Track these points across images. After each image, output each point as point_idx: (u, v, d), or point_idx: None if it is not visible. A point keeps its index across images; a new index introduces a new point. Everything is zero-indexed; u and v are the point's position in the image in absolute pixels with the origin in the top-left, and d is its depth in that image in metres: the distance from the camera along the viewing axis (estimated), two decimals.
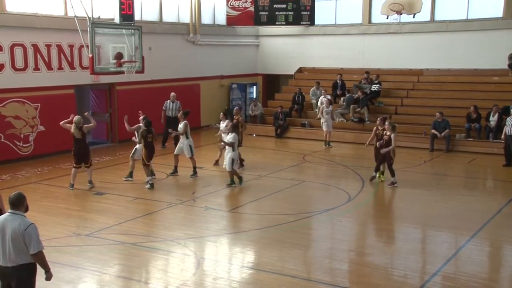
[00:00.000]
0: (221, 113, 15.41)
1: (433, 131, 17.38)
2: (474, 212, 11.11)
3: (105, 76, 16.53)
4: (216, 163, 14.91)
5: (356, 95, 20.01)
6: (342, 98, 20.79)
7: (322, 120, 18.21)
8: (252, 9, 22.80)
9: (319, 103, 20.62)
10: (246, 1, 22.81)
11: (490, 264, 8.86)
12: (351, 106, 19.88)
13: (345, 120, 19.99)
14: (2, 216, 5.73)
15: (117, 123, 18.50)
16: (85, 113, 13.45)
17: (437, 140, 17.38)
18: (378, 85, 20.40)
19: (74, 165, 12.45)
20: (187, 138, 13.72)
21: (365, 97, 19.85)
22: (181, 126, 13.78)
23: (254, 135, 20.56)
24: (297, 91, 21.20)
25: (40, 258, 5.62)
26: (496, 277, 8.28)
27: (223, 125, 14.55)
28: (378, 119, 13.63)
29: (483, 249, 9.31)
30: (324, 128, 18.15)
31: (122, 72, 15.95)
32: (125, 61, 15.73)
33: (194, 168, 13.78)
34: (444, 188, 13.35)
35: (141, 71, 16.59)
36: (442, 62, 20.84)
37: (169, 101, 17.83)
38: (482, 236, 9.70)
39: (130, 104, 18.53)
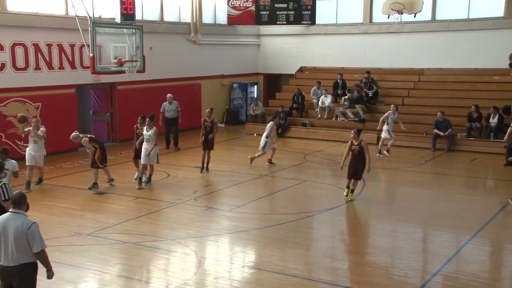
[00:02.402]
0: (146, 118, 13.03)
1: (435, 130, 17.37)
2: (475, 211, 11.10)
3: (106, 75, 16.52)
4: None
5: (353, 95, 20.04)
6: (343, 98, 20.80)
7: (385, 127, 16.47)
8: (253, 8, 22.80)
9: (319, 103, 20.66)
10: (247, 1, 22.80)
11: (491, 264, 8.85)
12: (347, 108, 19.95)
13: (346, 120, 19.98)
14: (4, 215, 5.73)
15: (118, 122, 18.51)
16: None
17: (438, 139, 17.38)
18: (371, 90, 20.40)
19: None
20: (156, 145, 12.67)
21: (361, 97, 19.90)
22: (151, 133, 12.56)
23: (255, 135, 20.53)
24: (296, 91, 21.21)
25: (42, 256, 5.64)
26: (497, 277, 8.28)
27: (146, 133, 12.70)
28: (352, 132, 12.05)
29: (484, 249, 9.31)
30: (392, 136, 16.54)
31: (123, 72, 15.94)
32: (126, 61, 15.72)
33: (150, 176, 12.94)
34: (445, 188, 13.35)
35: (142, 70, 16.55)
36: (443, 62, 20.83)
37: (166, 102, 17.70)
38: (483, 235, 9.70)
39: (131, 103, 18.55)
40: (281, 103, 21.26)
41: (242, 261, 8.63)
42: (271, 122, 15.38)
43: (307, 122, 20.48)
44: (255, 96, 23.82)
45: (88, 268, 8.04)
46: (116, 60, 15.51)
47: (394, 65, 21.68)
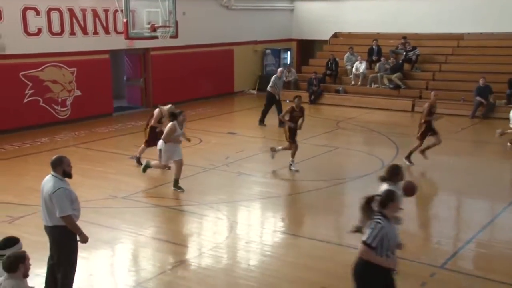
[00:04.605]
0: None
1: (478, 98, 16.89)
2: (511, 180, 10.85)
3: (140, 41, 16.57)
4: None
5: (389, 61, 19.60)
6: (377, 64, 20.34)
7: None
8: None
9: (354, 69, 20.30)
10: None
11: None
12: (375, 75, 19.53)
13: (380, 86, 19.63)
14: (47, 176, 5.88)
15: (151, 88, 18.64)
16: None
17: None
18: (413, 51, 19.90)
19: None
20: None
21: (398, 63, 19.46)
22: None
23: (287, 101, 20.41)
24: (331, 58, 20.87)
25: (67, 222, 5.63)
26: None
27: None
28: None
29: None
30: None
31: (156, 37, 15.95)
32: (159, 26, 15.70)
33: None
34: (481, 156, 13.06)
35: (175, 36, 16.52)
36: (485, 26, 20.00)
37: (285, 70, 15.98)
38: None
39: (164, 69, 18.63)
40: (314, 70, 20.99)
41: (273, 226, 8.70)
42: None
43: (341, 88, 20.20)
44: (288, 62, 23.56)
45: (124, 230, 8.25)
46: (149, 26, 15.52)
47: (431, 30, 20.98)
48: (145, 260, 7.40)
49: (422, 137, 11.53)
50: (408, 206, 9.85)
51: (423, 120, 11.46)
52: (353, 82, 20.28)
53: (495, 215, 9.08)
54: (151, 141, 11.15)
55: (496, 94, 17.13)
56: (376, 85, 19.70)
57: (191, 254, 7.62)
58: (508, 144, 13.35)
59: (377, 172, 11.31)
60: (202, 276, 6.96)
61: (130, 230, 8.25)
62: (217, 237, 8.14)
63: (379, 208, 4.98)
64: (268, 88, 15.98)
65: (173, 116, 9.94)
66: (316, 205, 9.50)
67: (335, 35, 23.18)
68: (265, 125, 15.79)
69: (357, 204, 9.87)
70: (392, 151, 13.01)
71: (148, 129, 11.39)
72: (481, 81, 16.99)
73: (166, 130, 9.83)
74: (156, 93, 18.60)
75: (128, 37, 15.56)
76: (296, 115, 11.33)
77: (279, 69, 16.53)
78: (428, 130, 11.45)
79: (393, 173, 6.27)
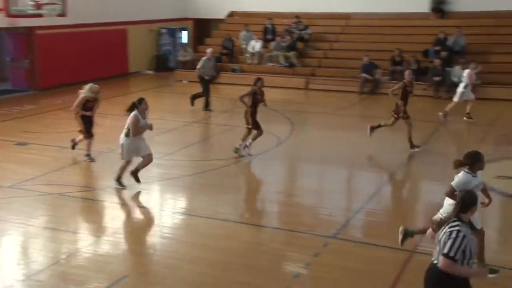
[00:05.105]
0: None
1: (363, 74, 17.81)
2: (396, 152, 11.61)
3: (23, 19, 15.50)
4: None
5: (284, 40, 20.03)
6: (272, 43, 20.68)
7: (461, 89, 13.84)
8: None
9: (249, 48, 20.50)
10: None
11: (407, 199, 9.44)
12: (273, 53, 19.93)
13: (276, 65, 20.02)
14: None
15: (39, 70, 17.56)
16: None
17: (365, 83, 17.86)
18: (306, 31, 20.49)
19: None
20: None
21: (294, 42, 19.95)
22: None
23: (186, 81, 20.21)
24: (227, 37, 20.93)
25: None
26: (411, 210, 8.84)
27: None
28: None
29: (402, 186, 9.87)
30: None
31: (41, 15, 15.03)
32: (44, 3, 14.80)
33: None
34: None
35: (63, 14, 15.67)
36: (369, 6, 21.02)
37: (205, 58, 15.29)
38: (402, 174, 10.26)
39: (52, 49, 17.59)
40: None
41: (173, 208, 8.67)
42: (467, 70, 13.41)
43: (237, 67, 20.34)
44: (184, 41, 23.23)
45: (11, 221, 7.75)
46: (33, 3, 14.58)
47: (323, 9, 21.65)
48: (35, 252, 7.03)
49: (407, 115, 11.03)
50: (302, 180, 10.30)
51: (399, 102, 11.05)
52: (249, 61, 20.50)
53: (381, 185, 9.73)
54: (88, 131, 10.44)
55: (381, 71, 18.17)
56: (272, 64, 20.07)
57: (87, 242, 7.37)
58: (440, 113, 14.01)
59: (273, 149, 11.64)
60: (100, 263, 6.77)
61: (19, 221, 7.78)
62: (115, 222, 7.95)
63: (456, 212, 4.29)
64: (197, 70, 15.30)
65: (133, 106, 8.73)
66: (215, 184, 9.57)
67: (231, 14, 23.20)
68: (211, 110, 15.14)
69: (255, 182, 10.15)
70: (287, 128, 13.41)
71: (79, 117, 10.43)
72: (365, 59, 17.94)
73: (130, 124, 8.63)
74: (44, 75, 17.56)
75: (9, 15, 14.53)
76: (259, 98, 10.64)
77: (208, 50, 15.82)
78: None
79: (474, 159, 5.50)
